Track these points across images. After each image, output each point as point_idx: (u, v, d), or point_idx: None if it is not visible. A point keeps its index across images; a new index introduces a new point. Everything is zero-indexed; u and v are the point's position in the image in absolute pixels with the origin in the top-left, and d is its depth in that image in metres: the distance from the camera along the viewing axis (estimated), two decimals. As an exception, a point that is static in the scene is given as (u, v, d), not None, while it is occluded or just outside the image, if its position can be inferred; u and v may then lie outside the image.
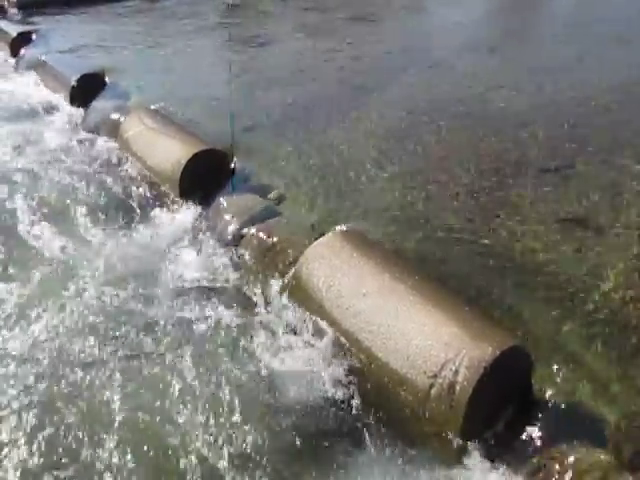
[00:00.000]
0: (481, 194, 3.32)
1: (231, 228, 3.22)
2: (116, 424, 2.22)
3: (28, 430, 2.21)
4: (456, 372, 2.04)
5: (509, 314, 2.43)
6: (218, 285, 2.96)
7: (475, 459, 2.02)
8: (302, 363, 2.42)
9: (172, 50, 6.58)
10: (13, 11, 9.12)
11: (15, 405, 2.30)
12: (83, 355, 2.56)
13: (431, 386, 2.09)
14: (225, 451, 2.12)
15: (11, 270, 3.16)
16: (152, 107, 4.65)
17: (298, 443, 2.15)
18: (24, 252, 3.31)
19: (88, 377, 2.43)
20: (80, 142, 4.66)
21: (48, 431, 2.20)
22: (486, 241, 2.91)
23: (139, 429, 2.21)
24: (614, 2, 8.26)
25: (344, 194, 3.41)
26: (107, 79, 5.60)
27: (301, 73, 5.62)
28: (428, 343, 2.15)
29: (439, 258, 2.79)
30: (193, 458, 2.10)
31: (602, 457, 1.93)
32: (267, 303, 2.76)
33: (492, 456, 2.01)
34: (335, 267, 2.56)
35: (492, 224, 3.04)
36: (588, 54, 5.78)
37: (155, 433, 2.20)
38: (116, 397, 2.33)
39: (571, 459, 1.94)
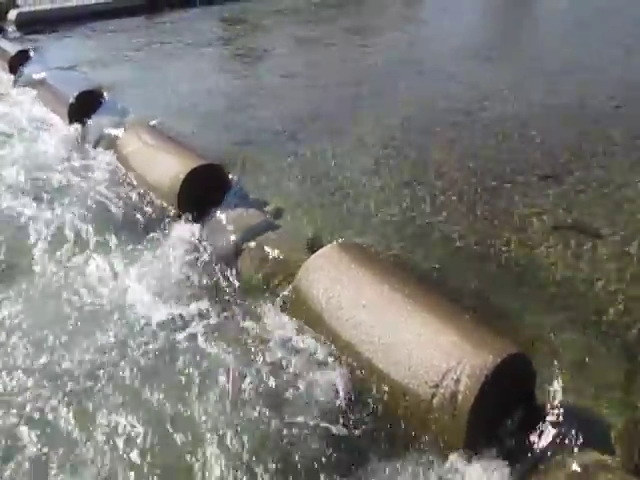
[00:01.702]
0: (478, 201, 3.33)
1: (230, 242, 3.23)
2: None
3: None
4: (458, 381, 2.04)
5: (509, 321, 2.43)
6: (217, 299, 2.96)
7: (479, 468, 2.01)
8: (302, 375, 2.41)
9: (169, 66, 6.62)
10: (12, 29, 9.18)
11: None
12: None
13: (433, 396, 2.09)
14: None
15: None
16: (150, 123, 4.68)
17: (297, 455, 2.14)
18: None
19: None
20: (77, 158, 4.68)
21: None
22: (484, 249, 2.91)
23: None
24: (606, 4, 8.31)
25: (341, 205, 3.41)
26: (105, 96, 5.64)
27: (297, 85, 5.65)
28: (429, 353, 2.15)
29: (438, 267, 2.80)
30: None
31: (609, 462, 1.92)
32: (267, 316, 2.75)
33: (496, 464, 2.00)
34: (334, 279, 2.56)
35: (490, 231, 3.04)
36: (584, 57, 5.81)
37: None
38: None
39: (577, 465, 1.93)
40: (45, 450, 2.19)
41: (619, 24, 7.06)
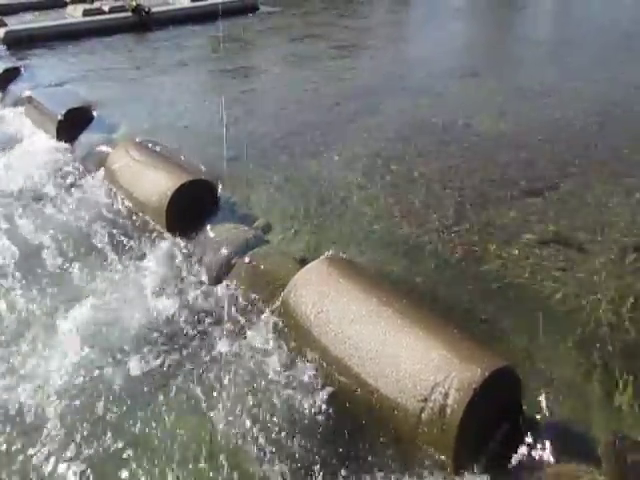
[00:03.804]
0: (466, 217, 3.36)
1: (218, 258, 3.23)
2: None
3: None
4: (446, 395, 2.05)
5: (496, 335, 2.45)
6: (207, 314, 2.95)
7: (468, 482, 2.01)
8: (291, 390, 2.41)
9: (159, 83, 6.64)
10: (0, 47, 9.17)
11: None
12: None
13: (422, 410, 2.09)
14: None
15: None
16: (138, 139, 4.68)
17: (287, 471, 2.13)
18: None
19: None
20: (66, 175, 4.66)
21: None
22: (472, 263, 2.94)
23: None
24: (591, 23, 8.49)
25: (330, 221, 3.43)
26: (94, 112, 5.64)
27: (287, 102, 5.69)
28: (417, 367, 2.16)
29: (426, 282, 2.82)
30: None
31: (594, 476, 1.93)
32: (256, 331, 2.75)
33: (484, 477, 2.01)
34: (323, 293, 2.57)
35: (477, 246, 3.07)
36: (568, 76, 5.91)
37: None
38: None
39: (564, 478, 1.94)
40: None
41: (604, 43, 7.20)
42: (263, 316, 2.78)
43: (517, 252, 2.99)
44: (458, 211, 3.43)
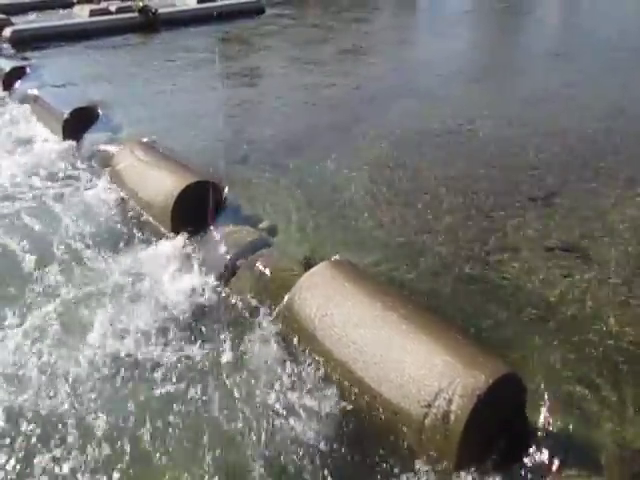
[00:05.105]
0: (470, 223, 3.36)
1: (223, 259, 3.22)
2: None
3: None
4: (450, 401, 2.04)
5: (500, 342, 2.45)
6: (210, 316, 2.95)
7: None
8: (295, 393, 2.41)
9: (165, 83, 6.66)
10: (6, 46, 9.20)
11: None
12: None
13: (425, 416, 2.09)
14: None
15: None
16: (144, 140, 4.69)
17: (288, 474, 2.13)
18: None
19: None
20: (71, 175, 4.67)
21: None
22: (476, 270, 2.94)
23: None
24: (596, 32, 8.50)
25: (335, 223, 3.43)
26: (100, 112, 5.65)
27: (291, 105, 5.71)
28: (421, 372, 2.15)
29: (430, 287, 2.82)
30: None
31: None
32: (261, 333, 2.75)
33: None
34: (327, 297, 2.57)
35: (481, 253, 3.07)
36: (573, 84, 5.91)
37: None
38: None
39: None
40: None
41: (612, 51, 7.20)
42: (267, 319, 2.78)
43: (521, 259, 2.99)
44: (462, 216, 3.43)
